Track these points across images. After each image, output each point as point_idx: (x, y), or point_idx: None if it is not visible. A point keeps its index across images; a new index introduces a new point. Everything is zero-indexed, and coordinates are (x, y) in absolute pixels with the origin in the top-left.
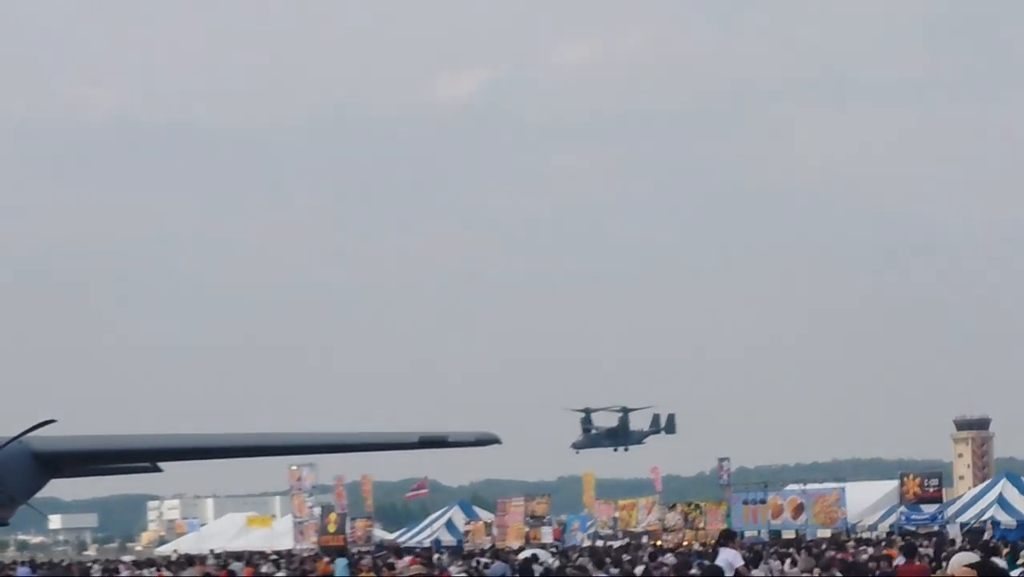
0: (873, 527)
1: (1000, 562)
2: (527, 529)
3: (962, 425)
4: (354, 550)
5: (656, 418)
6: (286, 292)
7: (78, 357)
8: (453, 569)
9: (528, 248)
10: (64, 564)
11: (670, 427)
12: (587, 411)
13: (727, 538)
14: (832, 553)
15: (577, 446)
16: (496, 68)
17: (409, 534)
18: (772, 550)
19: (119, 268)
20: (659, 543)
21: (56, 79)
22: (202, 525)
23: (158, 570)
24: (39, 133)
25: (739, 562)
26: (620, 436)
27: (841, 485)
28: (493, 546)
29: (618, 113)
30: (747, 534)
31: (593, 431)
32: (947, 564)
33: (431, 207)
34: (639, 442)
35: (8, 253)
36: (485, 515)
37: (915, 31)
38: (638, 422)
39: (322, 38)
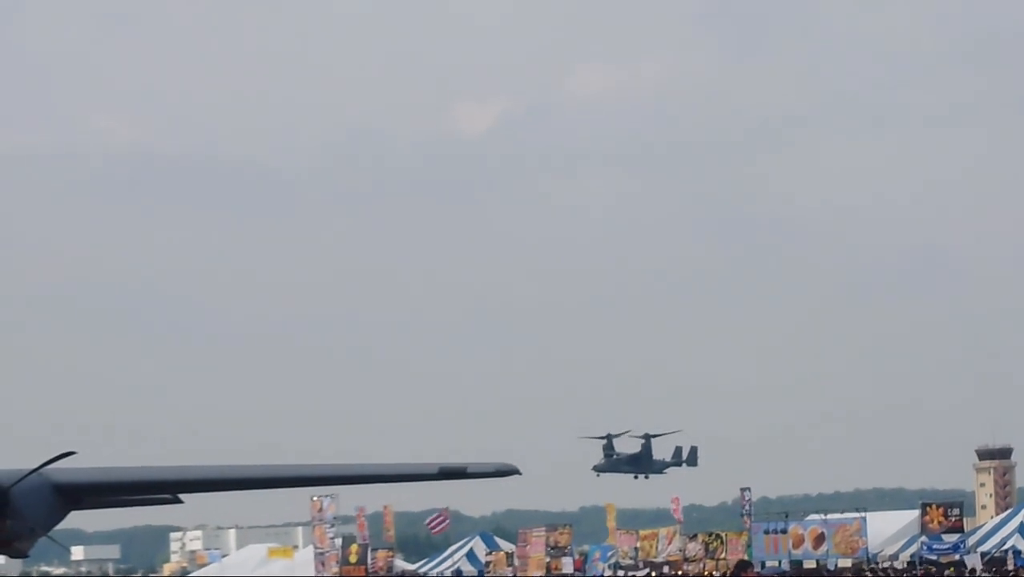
0: (894, 557)
1: None
2: (548, 560)
3: (984, 455)
4: None
5: (679, 450)
6: (305, 323)
7: (98, 388)
8: None
9: (551, 275)
10: None
11: (692, 460)
12: (609, 437)
13: (742, 568)
14: None
15: (598, 469)
16: (516, 99)
17: (431, 565)
18: None
19: (139, 298)
20: (680, 573)
21: (76, 110)
22: (224, 556)
23: None
24: (58, 163)
25: None
26: (643, 463)
27: (862, 515)
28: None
29: (639, 142)
30: (768, 564)
31: (615, 456)
32: None
33: (451, 236)
34: (660, 472)
35: (28, 281)
36: (507, 545)
37: (938, 57)
38: (661, 452)
39: (342, 69)
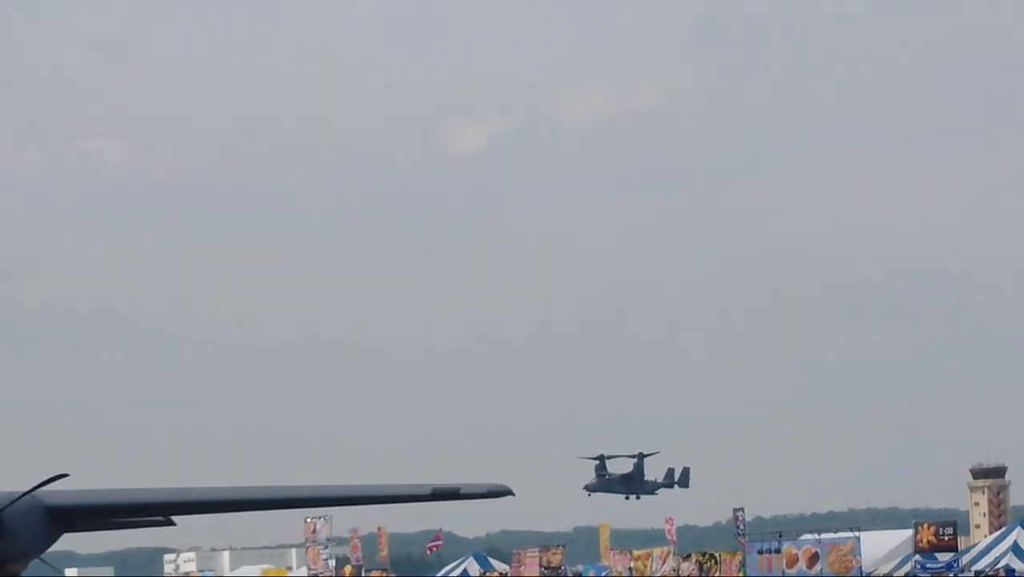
0: (888, 576)
1: None
2: None
3: (978, 474)
4: None
5: (671, 472)
6: (298, 344)
7: (91, 411)
8: None
9: (541, 298)
10: None
11: (684, 481)
12: (602, 458)
13: None
14: None
15: (590, 489)
16: (508, 120)
17: None
18: None
19: (131, 321)
20: None
21: (68, 132)
22: None
23: None
24: (50, 186)
25: None
26: (635, 483)
27: (856, 534)
28: None
29: (631, 165)
30: None
31: (607, 476)
32: None
33: (443, 257)
34: (652, 493)
35: (19, 306)
36: (500, 566)
37: (926, 79)
38: (653, 472)
39: (335, 90)
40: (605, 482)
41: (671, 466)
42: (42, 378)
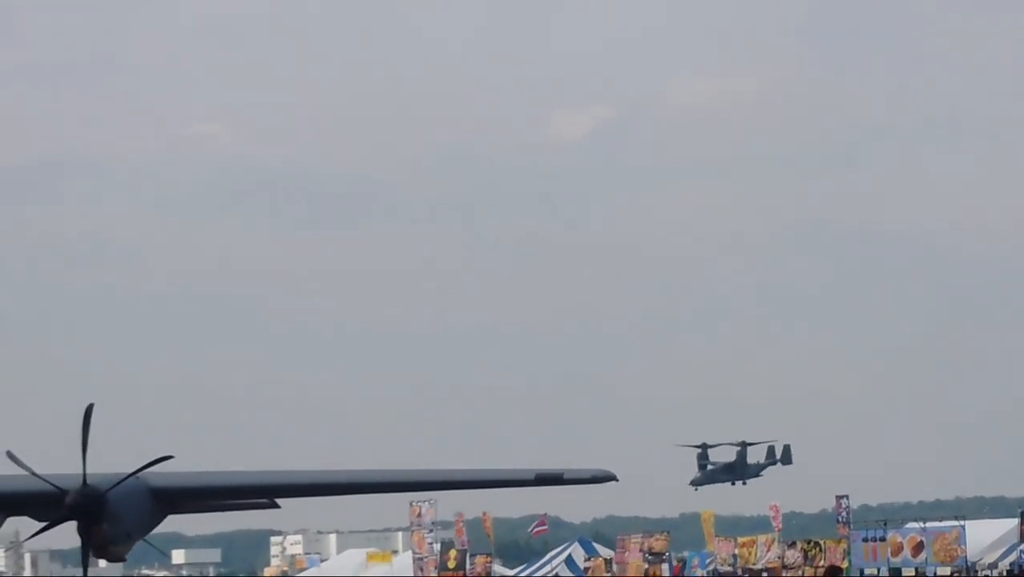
0: (993, 565)
1: None
2: (647, 566)
3: None
4: None
5: (771, 450)
6: (402, 329)
7: (196, 392)
8: None
9: (645, 286)
10: None
11: (786, 458)
12: (704, 447)
13: (833, 574)
14: None
15: (696, 483)
16: (613, 107)
17: (529, 570)
18: None
19: (237, 304)
20: None
21: (173, 117)
22: (323, 561)
23: None
24: (161, 171)
25: None
26: (738, 470)
27: (961, 523)
28: None
29: (737, 153)
30: (867, 572)
31: (709, 467)
32: None
33: (547, 246)
34: (756, 475)
35: (125, 288)
36: (605, 552)
37: None
38: (754, 456)
39: (438, 78)
40: (709, 474)
41: (770, 445)
42: (148, 359)
